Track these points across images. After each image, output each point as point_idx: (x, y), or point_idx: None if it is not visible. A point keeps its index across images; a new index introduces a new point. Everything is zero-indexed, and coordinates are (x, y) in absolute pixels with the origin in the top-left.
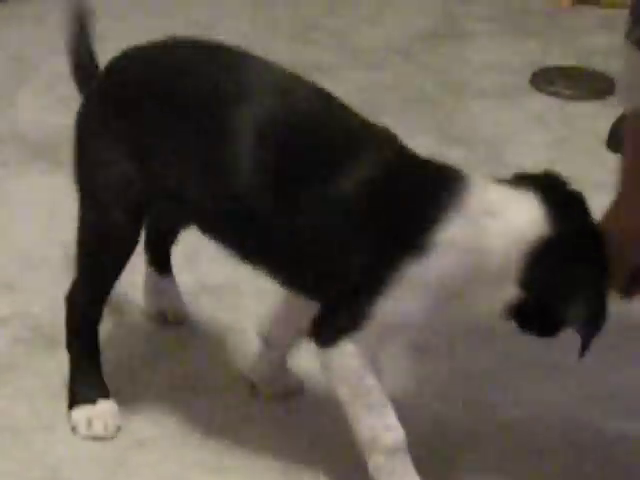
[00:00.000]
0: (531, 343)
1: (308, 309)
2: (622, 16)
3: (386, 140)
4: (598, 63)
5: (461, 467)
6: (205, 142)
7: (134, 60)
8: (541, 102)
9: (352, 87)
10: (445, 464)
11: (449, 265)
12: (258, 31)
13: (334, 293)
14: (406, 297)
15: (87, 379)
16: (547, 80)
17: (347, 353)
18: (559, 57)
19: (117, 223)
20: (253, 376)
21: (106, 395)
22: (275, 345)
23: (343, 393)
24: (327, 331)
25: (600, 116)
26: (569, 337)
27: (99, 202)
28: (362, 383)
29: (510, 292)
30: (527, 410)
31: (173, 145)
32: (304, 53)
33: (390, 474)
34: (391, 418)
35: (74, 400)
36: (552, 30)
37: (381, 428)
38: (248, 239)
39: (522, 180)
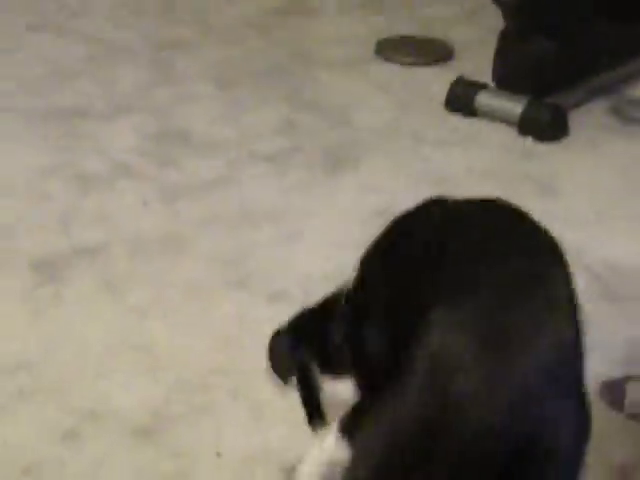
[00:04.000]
0: None
1: None
2: None
3: None
4: (437, 31)
5: None
6: None
7: None
8: (385, 69)
9: (213, 61)
10: None
11: None
12: (125, 11)
13: None
14: None
15: None
16: (390, 49)
17: None
18: (401, 27)
19: None
20: None
21: None
22: None
23: None
24: None
25: (439, 80)
26: None
27: None
28: None
29: None
30: None
31: None
32: (170, 31)
33: None
34: None
35: None
36: (393, 2)
37: None
38: None
39: None
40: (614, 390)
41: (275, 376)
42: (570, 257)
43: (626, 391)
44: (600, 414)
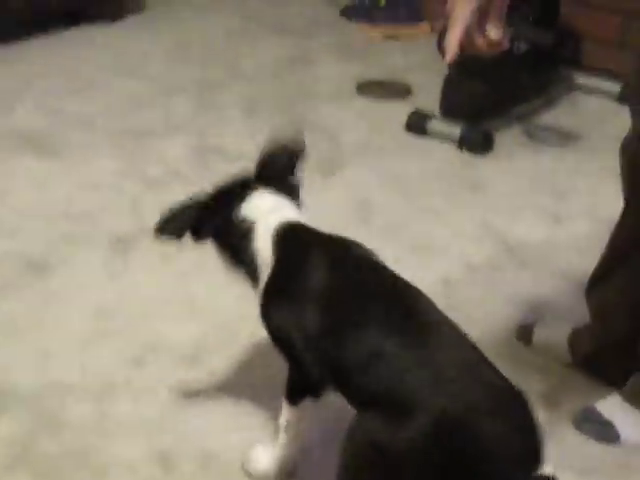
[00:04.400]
0: None
1: None
2: (414, 46)
3: None
4: (400, 76)
5: None
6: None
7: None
8: (363, 103)
9: (239, 96)
10: None
11: None
12: (178, 60)
13: None
14: None
15: None
16: (367, 88)
17: None
18: (374, 73)
19: None
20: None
21: None
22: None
23: None
24: None
25: (401, 111)
26: None
27: None
28: None
29: None
30: None
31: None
32: (210, 75)
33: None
34: None
35: None
36: (369, 55)
37: None
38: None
39: None
40: (525, 332)
41: (167, 233)
42: (493, 236)
43: (534, 333)
44: (517, 350)
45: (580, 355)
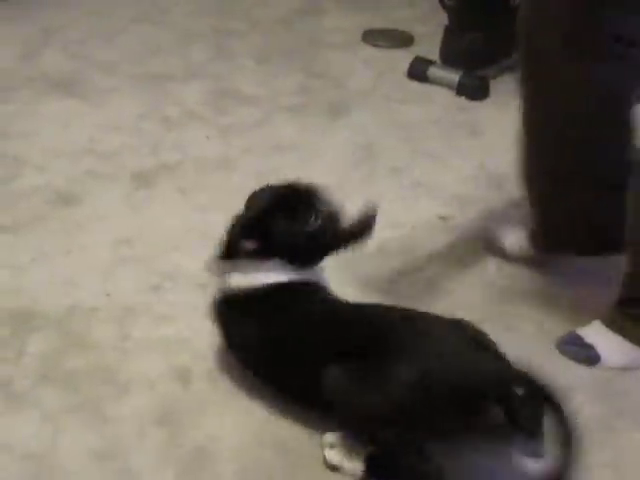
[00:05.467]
0: None
1: None
2: None
3: None
4: (403, 26)
5: None
6: None
7: None
8: (368, 51)
9: (255, 44)
10: None
11: None
12: (197, 10)
13: None
14: None
15: None
16: (371, 37)
17: None
18: (379, 23)
19: None
20: None
21: None
22: None
23: None
24: None
25: (403, 58)
26: None
27: None
28: None
29: None
30: None
31: None
32: (226, 24)
33: None
34: None
35: None
36: (374, 5)
37: None
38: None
39: None
40: (493, 241)
41: None
42: (487, 176)
43: (499, 237)
44: (508, 280)
45: (537, 243)
